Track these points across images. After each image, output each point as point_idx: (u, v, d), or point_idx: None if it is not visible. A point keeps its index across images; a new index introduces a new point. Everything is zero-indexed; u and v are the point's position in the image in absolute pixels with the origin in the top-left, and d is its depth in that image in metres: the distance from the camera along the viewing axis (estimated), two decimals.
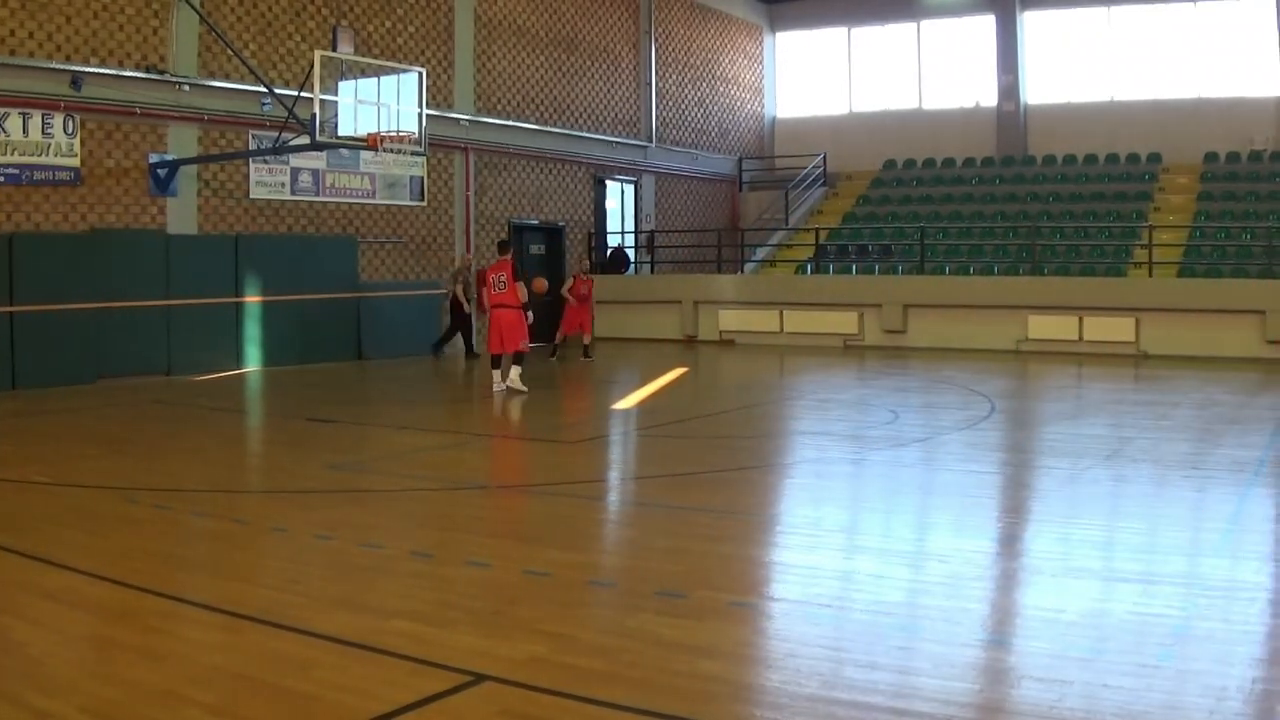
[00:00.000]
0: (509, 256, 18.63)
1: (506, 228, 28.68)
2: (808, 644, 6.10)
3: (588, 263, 26.30)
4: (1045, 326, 26.00)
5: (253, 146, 22.32)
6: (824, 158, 36.94)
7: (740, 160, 38.04)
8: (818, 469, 12.02)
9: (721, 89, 37.25)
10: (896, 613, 6.64)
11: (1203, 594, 6.96)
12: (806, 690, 5.38)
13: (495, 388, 18.19)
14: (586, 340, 24.48)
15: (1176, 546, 8.57)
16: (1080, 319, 25.97)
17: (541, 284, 19.80)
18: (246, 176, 22.67)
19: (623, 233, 33.39)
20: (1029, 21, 36.24)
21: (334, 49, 20.50)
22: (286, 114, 19.56)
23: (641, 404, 17.64)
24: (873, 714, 5.09)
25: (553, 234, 30.35)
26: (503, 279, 18.27)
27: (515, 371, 18.14)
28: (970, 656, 5.91)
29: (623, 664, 5.71)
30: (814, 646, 6.05)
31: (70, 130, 19.66)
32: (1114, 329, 25.72)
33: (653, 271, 33.25)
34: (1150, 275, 27.22)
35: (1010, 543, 8.69)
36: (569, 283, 24.62)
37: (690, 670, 5.64)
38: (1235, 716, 5.03)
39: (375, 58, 22.79)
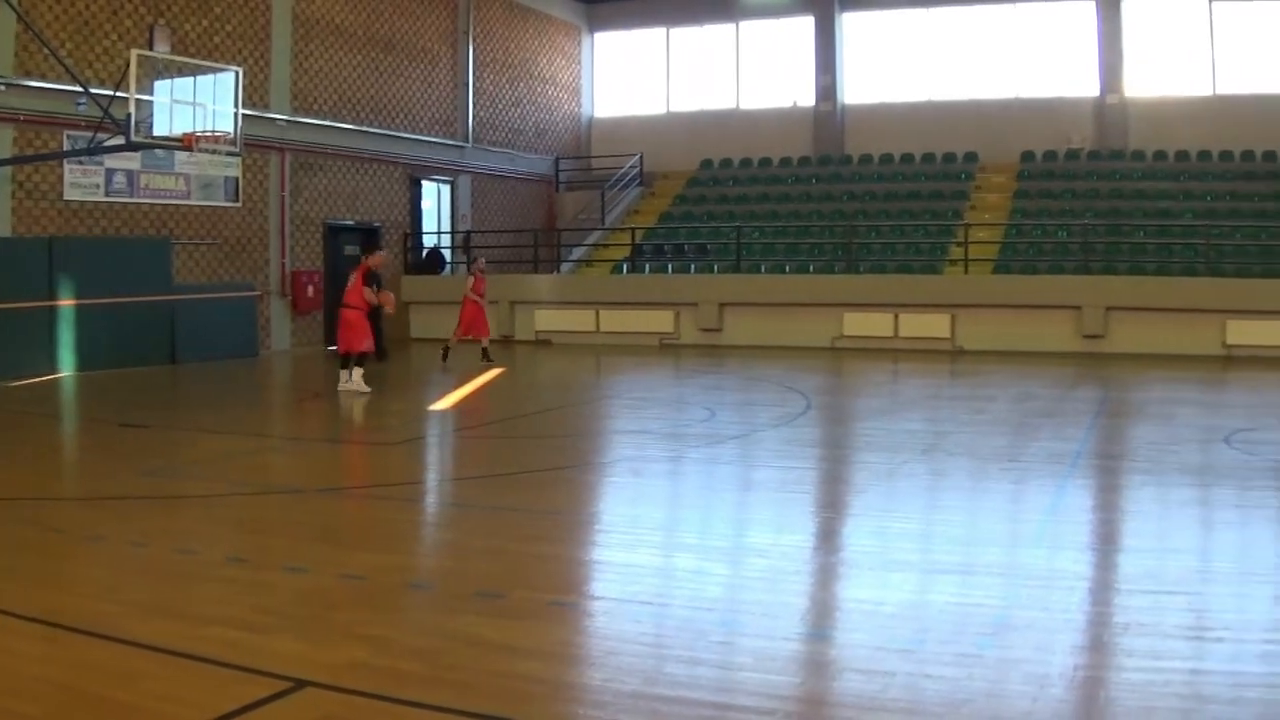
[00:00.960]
0: (364, 259, 19.47)
1: (322, 229, 28.56)
2: (628, 641, 6.19)
3: (483, 260, 25.71)
4: (861, 323, 26.82)
5: (68, 147, 21.72)
6: (640, 158, 37.70)
7: (557, 160, 38.44)
8: (635, 467, 12.18)
9: (539, 89, 37.68)
10: (717, 608, 6.77)
11: (1022, 584, 7.25)
12: (628, 688, 5.47)
13: (340, 386, 18.34)
14: (485, 343, 23.97)
15: (994, 538, 8.91)
16: (896, 315, 26.86)
17: (388, 299, 19.63)
18: (61, 178, 22.24)
19: (439, 233, 33.60)
20: (848, 23, 37.35)
21: (150, 48, 20.30)
22: (102, 114, 19.05)
23: (458, 405, 17.72)
24: (696, 709, 5.19)
25: (369, 235, 30.25)
26: (352, 278, 18.79)
27: (358, 373, 18.26)
28: (791, 650, 6.05)
29: (443, 666, 5.75)
30: (635, 644, 6.14)
31: None
32: (930, 325, 26.72)
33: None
34: (966, 272, 28.39)
35: (829, 537, 8.94)
36: (470, 281, 24.18)
37: (511, 671, 5.69)
38: (1058, 703, 5.25)
39: (192, 56, 22.33)
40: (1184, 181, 32.56)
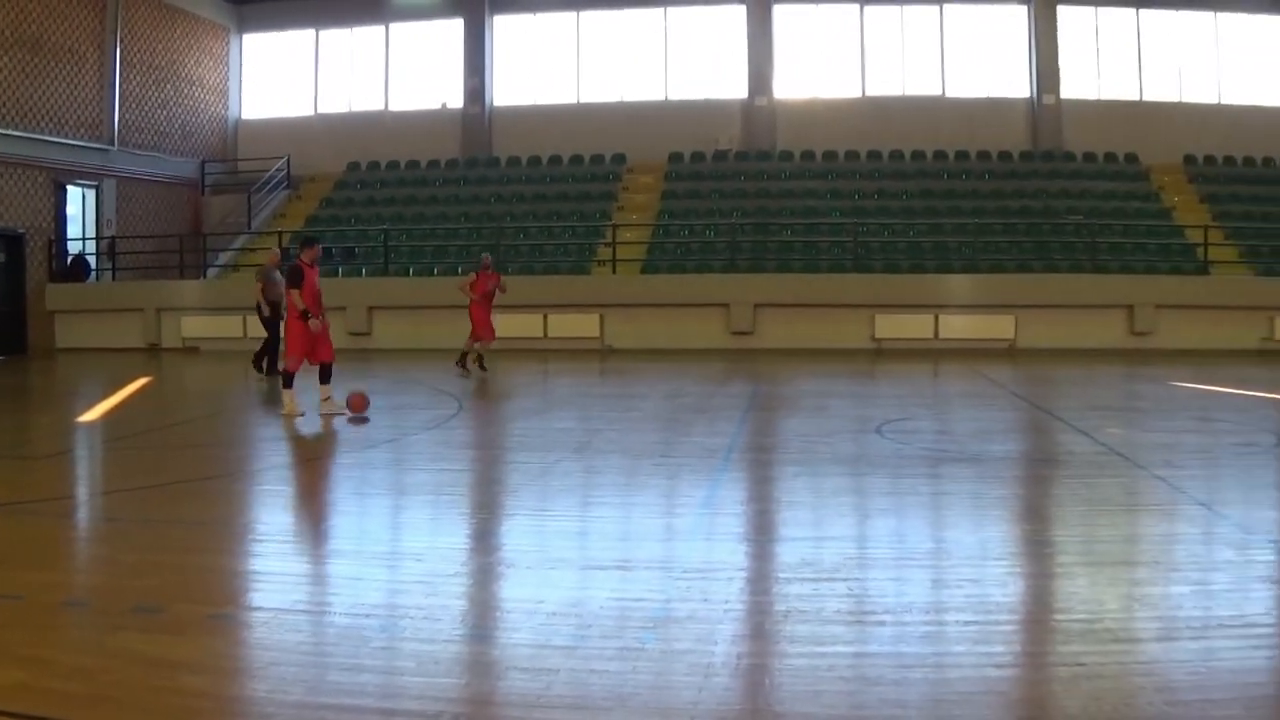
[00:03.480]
0: (299, 258, 16.43)
1: None
2: (290, 651, 6.01)
3: (489, 257, 23.64)
4: (511, 324, 26.84)
5: None
6: (288, 160, 37.27)
7: (203, 163, 37.55)
8: (287, 474, 11.91)
9: (186, 90, 36.81)
10: (377, 614, 6.65)
11: (681, 577, 7.32)
12: (292, 698, 5.34)
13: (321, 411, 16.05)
14: (478, 348, 22.46)
15: (651, 533, 9.02)
16: (545, 316, 27.14)
17: (360, 402, 16.03)
18: None
19: (84, 239, 32.47)
20: (498, 25, 37.82)
21: None
22: None
23: (107, 415, 16.93)
24: (361, 716, 5.12)
25: (12, 242, 29.03)
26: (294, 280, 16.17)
27: (288, 395, 16.04)
28: (454, 652, 6.00)
29: (106, 685, 5.48)
30: (296, 654, 5.99)
31: None
32: (579, 325, 27.14)
33: (114, 278, 32.59)
34: (614, 272, 28.95)
35: (485, 538, 8.89)
36: (469, 278, 22.51)
37: (174, 686, 5.48)
38: (723, 691, 5.31)
39: None
40: (832, 181, 34.12)
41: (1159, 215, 32.99)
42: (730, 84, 36.95)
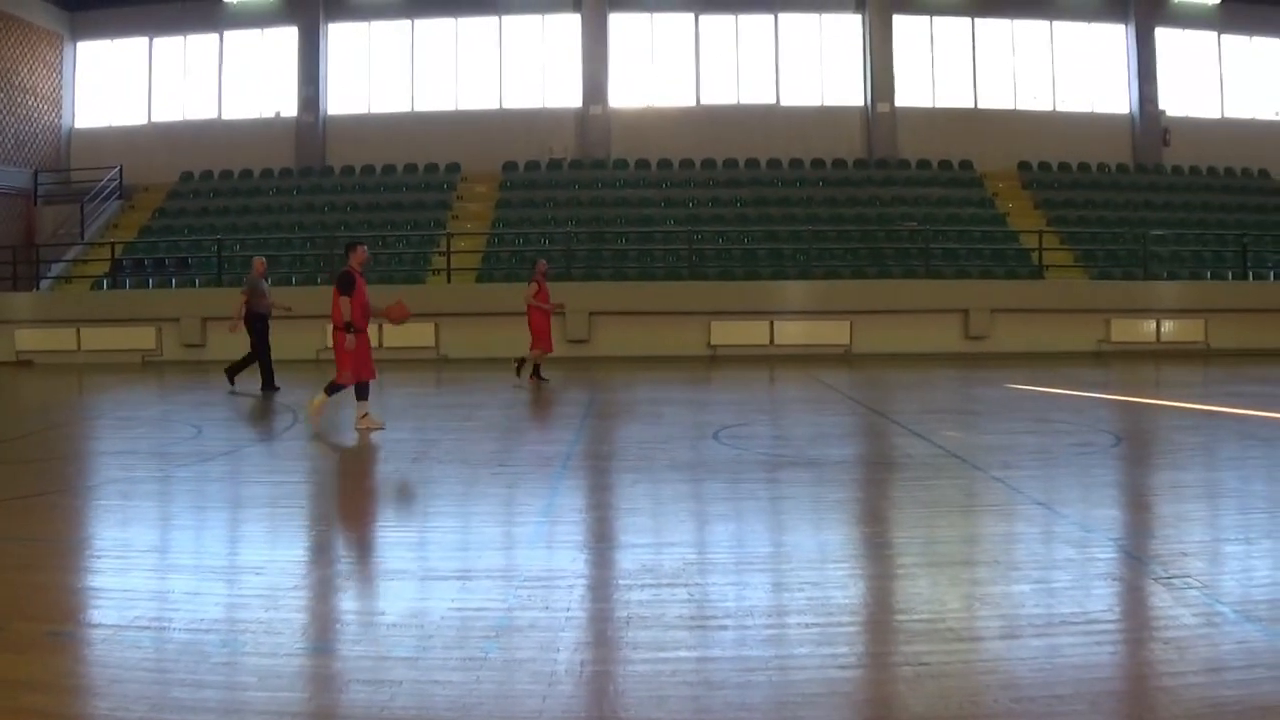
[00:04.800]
0: (348, 263, 15.51)
1: None
2: (131, 668, 5.86)
3: (545, 263, 23.00)
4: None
5: None
6: (120, 170, 36.44)
7: (36, 173, 36.57)
8: (124, 489, 11.53)
9: (19, 99, 35.80)
10: (217, 629, 6.51)
11: (521, 585, 7.27)
12: (135, 715, 5.22)
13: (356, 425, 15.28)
14: (540, 357, 21.96)
15: (491, 542, 8.98)
16: (380, 326, 26.81)
17: (401, 311, 15.69)
18: None
19: None
20: (332, 34, 37.50)
21: None
22: None
23: None
24: None
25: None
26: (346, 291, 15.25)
27: (356, 409, 15.35)
28: (296, 666, 5.91)
29: None
30: (138, 670, 5.84)
31: None
32: (414, 334, 26.88)
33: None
34: (449, 281, 28.83)
35: (324, 550, 8.76)
36: (533, 288, 21.83)
37: (14, 706, 5.34)
38: (568, 700, 5.28)
39: None
40: (666, 189, 34.42)
41: (994, 221, 33.86)
42: (565, 93, 37.14)
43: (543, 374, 21.85)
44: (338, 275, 15.36)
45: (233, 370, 21.43)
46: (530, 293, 21.71)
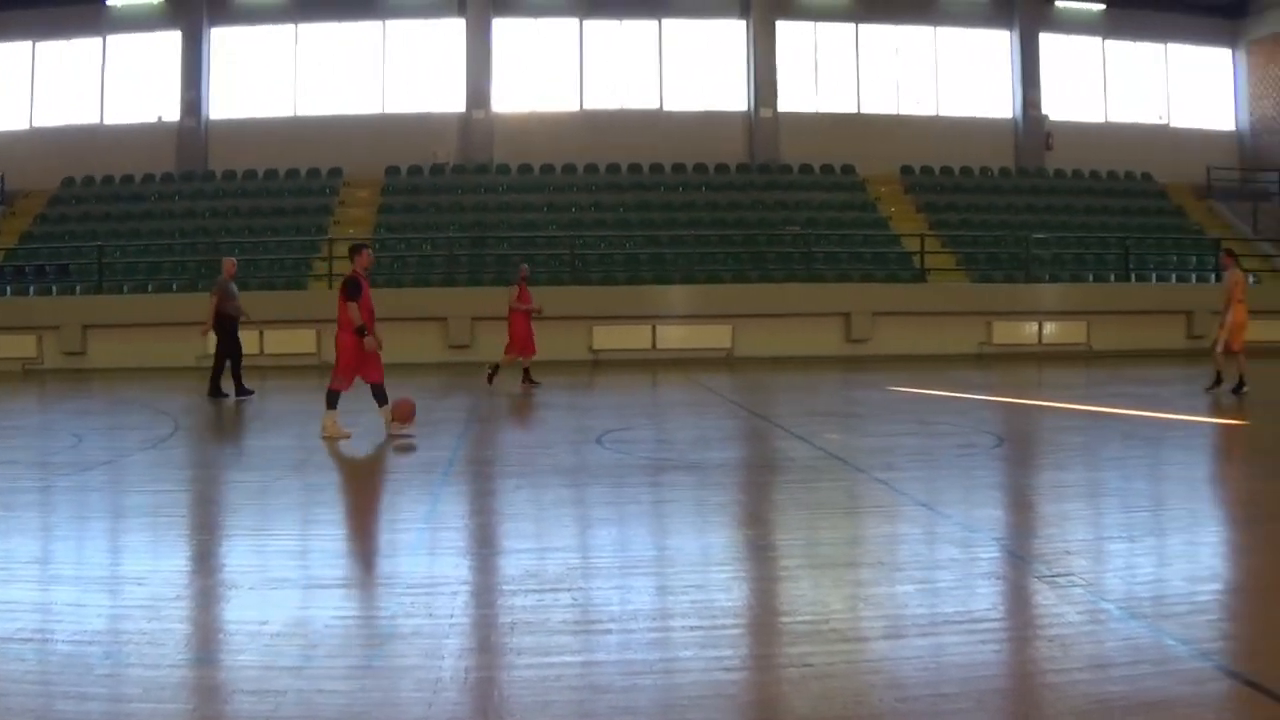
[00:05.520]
0: (353, 267, 15.41)
1: None
2: (14, 681, 5.73)
3: (526, 267, 23.21)
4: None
5: None
6: (1, 176, 35.85)
7: None
8: (5, 500, 11.30)
9: None
10: (100, 640, 6.38)
11: (405, 592, 7.22)
12: None
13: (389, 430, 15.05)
14: (526, 362, 22.22)
15: (374, 549, 8.92)
16: (261, 332, 26.61)
17: (407, 408, 15.14)
18: None
19: None
20: (216, 37, 37.04)
21: None
22: None
23: None
24: None
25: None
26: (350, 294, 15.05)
27: (330, 416, 14.97)
28: (180, 677, 5.81)
29: None
30: (21, 684, 5.71)
31: None
32: (295, 341, 26.74)
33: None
34: (330, 287, 28.54)
35: (206, 559, 8.62)
36: (515, 292, 22.02)
37: None
38: (453, 706, 5.25)
39: None
40: (549, 194, 34.44)
41: (876, 224, 34.30)
42: (449, 97, 36.98)
43: (533, 377, 22.11)
44: (343, 281, 15.23)
45: (214, 380, 20.69)
46: (513, 297, 21.94)
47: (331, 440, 14.58)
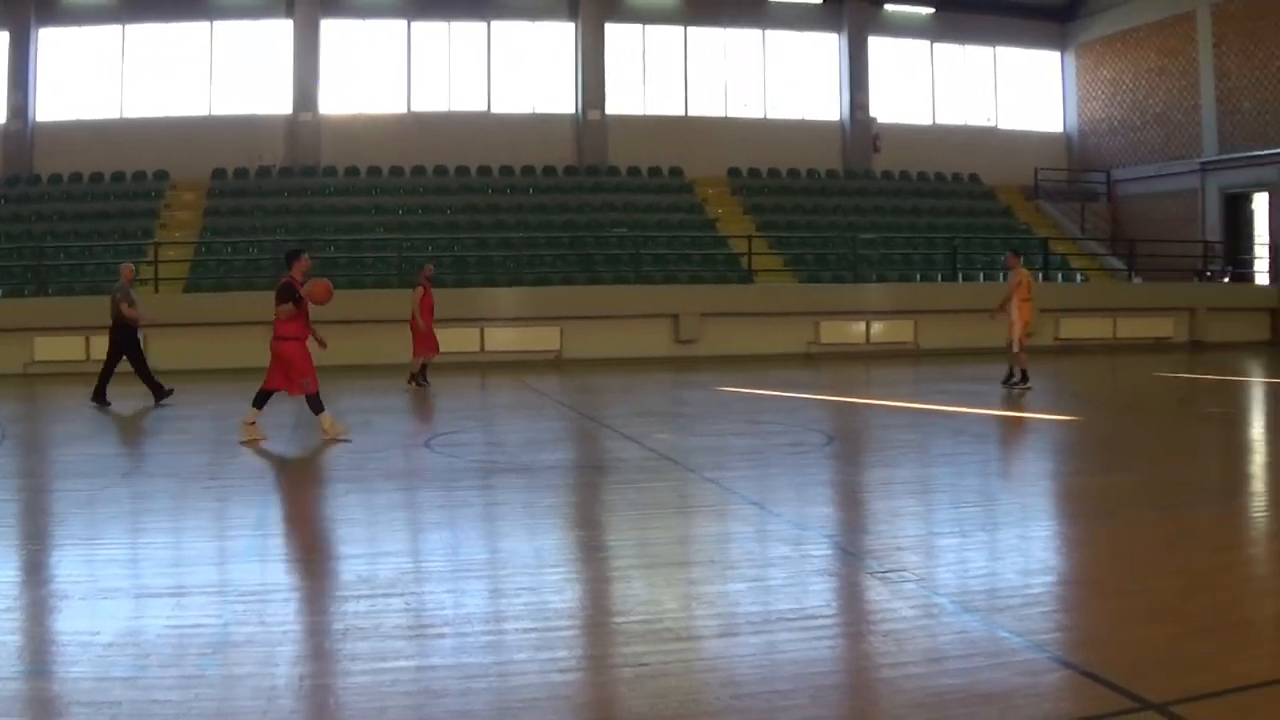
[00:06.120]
0: (289, 271, 15.08)
1: None
2: None
3: (431, 269, 23.58)
4: (52, 348, 26.36)
5: None
6: None
7: None
8: None
9: None
10: None
11: (237, 600, 7.13)
12: None
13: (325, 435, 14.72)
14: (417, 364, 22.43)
15: (205, 557, 8.74)
16: (87, 338, 25.98)
17: (322, 289, 14.96)
18: None
19: None
20: (44, 38, 35.92)
21: None
22: None
23: None
24: None
25: None
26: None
27: (327, 419, 14.78)
28: (12, 690, 5.68)
29: None
30: None
31: None
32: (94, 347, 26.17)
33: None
34: (157, 292, 28.03)
35: (35, 570, 8.39)
36: (419, 293, 22.27)
37: None
38: (288, 714, 5.23)
39: None
40: (376, 197, 34.24)
41: (703, 226, 34.61)
42: (276, 99, 36.49)
43: (426, 378, 22.37)
44: (279, 286, 14.90)
45: (154, 387, 19.73)
46: (417, 298, 22.17)
47: (335, 440, 14.48)
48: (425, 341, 22.32)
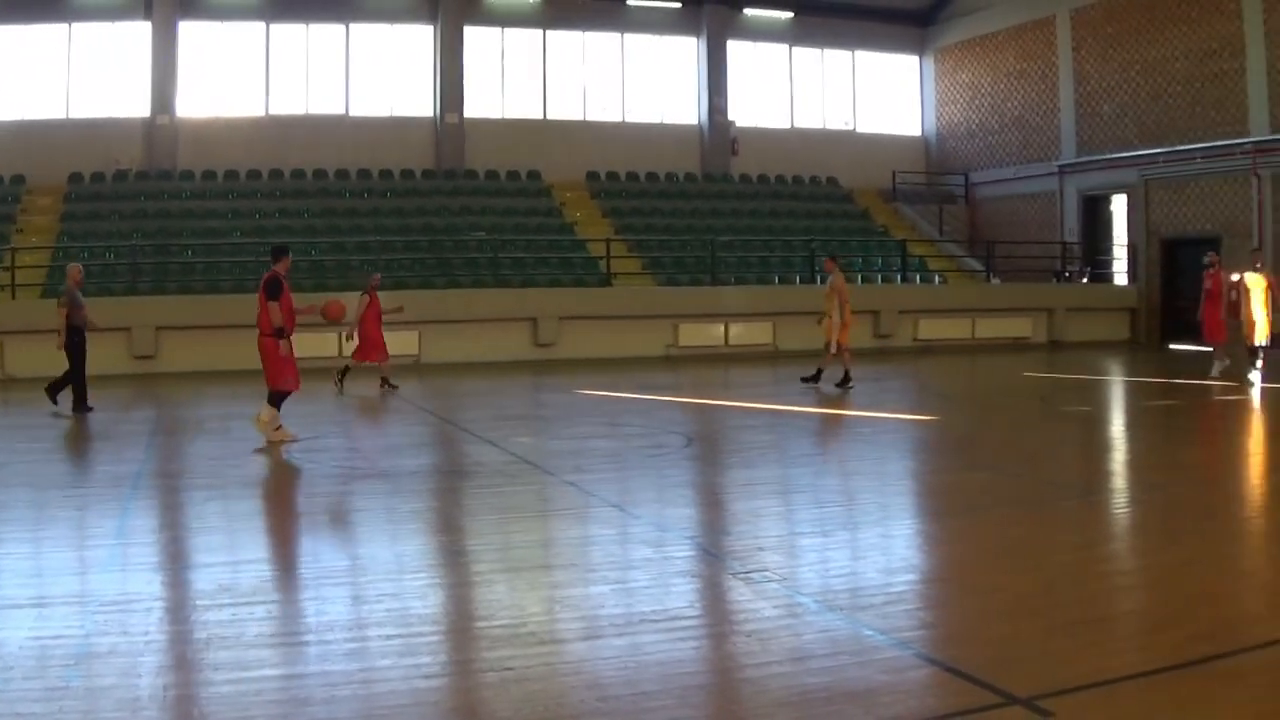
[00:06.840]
0: (273, 268, 14.92)
1: None
2: None
3: (379, 276, 23.64)
4: None
5: None
6: None
7: None
8: None
9: None
10: None
11: (99, 610, 7.03)
12: None
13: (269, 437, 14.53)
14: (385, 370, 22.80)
15: (65, 566, 8.60)
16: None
17: (338, 308, 15.91)
18: None
19: None
20: None
21: None
22: None
23: None
24: None
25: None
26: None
27: (268, 413, 14.72)
28: None
29: None
30: None
31: None
32: None
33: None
34: (14, 298, 27.41)
35: None
36: (365, 300, 22.33)
37: None
38: None
39: None
40: (233, 200, 33.77)
41: (561, 230, 34.64)
42: (133, 102, 35.63)
43: (392, 383, 22.65)
44: (263, 281, 14.76)
45: (53, 388, 19.10)
46: (363, 305, 22.19)
47: (281, 445, 14.36)
48: (376, 347, 22.53)
